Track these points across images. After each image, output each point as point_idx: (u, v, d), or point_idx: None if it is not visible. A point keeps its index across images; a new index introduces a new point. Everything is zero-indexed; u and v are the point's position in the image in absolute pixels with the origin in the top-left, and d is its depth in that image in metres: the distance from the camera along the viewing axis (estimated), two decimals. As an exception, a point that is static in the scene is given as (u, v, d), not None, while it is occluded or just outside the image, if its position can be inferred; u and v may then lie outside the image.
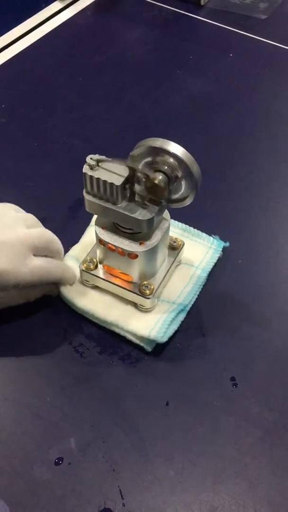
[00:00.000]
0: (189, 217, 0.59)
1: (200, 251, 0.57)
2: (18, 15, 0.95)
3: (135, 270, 0.50)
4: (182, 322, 0.53)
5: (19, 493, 0.43)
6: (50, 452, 0.45)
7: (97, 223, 0.50)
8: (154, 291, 0.51)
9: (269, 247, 0.60)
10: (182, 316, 0.52)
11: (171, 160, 0.43)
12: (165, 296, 0.53)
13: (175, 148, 0.43)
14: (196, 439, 0.46)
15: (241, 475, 0.44)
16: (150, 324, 0.50)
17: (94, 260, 0.53)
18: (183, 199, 0.47)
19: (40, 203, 0.62)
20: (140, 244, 0.48)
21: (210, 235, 0.58)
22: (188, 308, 0.53)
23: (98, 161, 0.45)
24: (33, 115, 0.76)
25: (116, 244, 0.48)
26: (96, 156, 0.45)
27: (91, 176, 0.45)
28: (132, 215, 0.45)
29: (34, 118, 0.75)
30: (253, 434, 0.46)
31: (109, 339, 0.52)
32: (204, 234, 0.58)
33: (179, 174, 0.44)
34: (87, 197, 0.47)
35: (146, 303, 0.51)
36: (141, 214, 0.45)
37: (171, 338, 0.51)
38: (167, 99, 0.78)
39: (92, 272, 0.53)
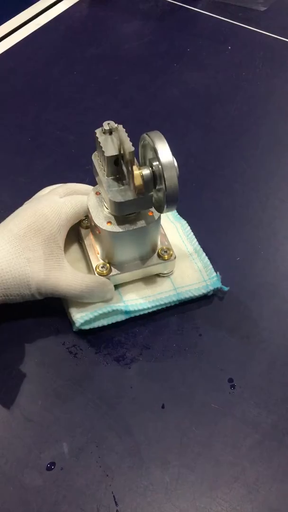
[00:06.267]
0: (187, 212, 0.58)
1: (192, 278, 0.54)
2: (12, 8, 0.93)
3: (99, 247, 0.50)
4: (176, 322, 0.52)
5: (9, 500, 0.42)
6: (41, 456, 0.44)
7: (95, 188, 0.50)
8: (107, 275, 0.50)
9: (269, 243, 0.59)
10: (120, 318, 0.51)
11: (159, 164, 0.42)
12: (124, 291, 0.52)
13: (163, 153, 0.42)
14: (193, 442, 0.45)
15: (239, 480, 0.43)
16: (84, 307, 0.50)
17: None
18: (160, 205, 0.45)
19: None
20: (107, 223, 0.47)
21: (216, 271, 0.54)
22: (132, 315, 0.51)
23: (112, 130, 0.45)
24: (27, 109, 0.74)
25: (91, 211, 0.49)
26: (113, 124, 0.46)
27: (97, 138, 0.46)
28: (107, 190, 0.45)
29: (28, 112, 0.74)
30: (251, 438, 0.45)
31: (103, 339, 0.51)
32: (210, 266, 0.54)
33: (162, 180, 0.43)
34: (94, 158, 0.48)
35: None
36: (113, 194, 0.45)
37: (167, 339, 0.50)
38: (164, 92, 0.77)
39: (82, 230, 0.54)
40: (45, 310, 0.52)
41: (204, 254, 0.55)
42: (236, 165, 0.67)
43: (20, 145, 0.69)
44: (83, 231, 0.54)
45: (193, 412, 0.46)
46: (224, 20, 0.89)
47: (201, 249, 0.56)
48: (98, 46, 0.85)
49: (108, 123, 0.45)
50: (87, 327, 0.50)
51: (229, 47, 0.84)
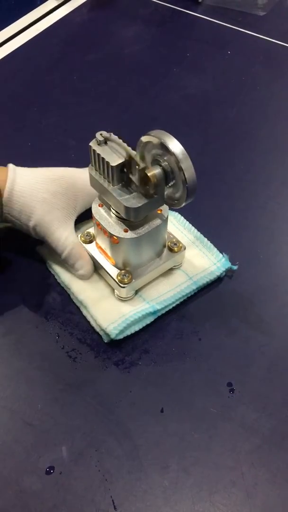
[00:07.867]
0: (186, 217, 0.58)
1: (202, 264, 0.55)
2: (13, 13, 0.94)
3: (117, 256, 0.50)
4: (175, 326, 0.51)
5: (9, 504, 0.42)
6: (41, 460, 0.44)
7: (98, 199, 0.50)
8: (131, 282, 0.50)
9: (268, 248, 0.59)
10: (149, 319, 0.51)
11: (172, 158, 0.42)
12: (143, 292, 0.52)
13: (175, 146, 0.42)
14: (192, 447, 0.45)
15: (238, 484, 0.43)
16: (113, 317, 0.50)
17: (92, 234, 0.53)
18: (176, 199, 0.45)
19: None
20: (124, 231, 0.48)
21: (221, 252, 0.55)
22: (159, 314, 0.52)
23: (106, 139, 0.45)
24: (27, 114, 0.74)
25: (102, 223, 0.48)
26: (106, 134, 0.45)
27: (94, 151, 0.45)
28: (120, 199, 0.45)
29: (28, 117, 0.74)
30: (250, 442, 0.45)
31: (103, 343, 0.51)
32: (215, 249, 0.56)
33: (176, 174, 0.43)
34: (91, 171, 0.47)
35: (121, 292, 0.51)
36: (128, 201, 0.45)
37: (167, 343, 0.50)
38: (164, 97, 0.77)
39: (85, 245, 0.53)
40: (45, 314, 0.52)
41: (206, 239, 0.56)
42: (235, 170, 0.67)
43: (20, 150, 0.69)
44: (88, 246, 0.53)
45: (192, 416, 0.46)
46: (223, 25, 0.89)
47: (201, 236, 0.57)
48: (98, 51, 0.85)
49: (100, 134, 0.45)
50: (120, 336, 0.50)
51: (229, 52, 0.84)
